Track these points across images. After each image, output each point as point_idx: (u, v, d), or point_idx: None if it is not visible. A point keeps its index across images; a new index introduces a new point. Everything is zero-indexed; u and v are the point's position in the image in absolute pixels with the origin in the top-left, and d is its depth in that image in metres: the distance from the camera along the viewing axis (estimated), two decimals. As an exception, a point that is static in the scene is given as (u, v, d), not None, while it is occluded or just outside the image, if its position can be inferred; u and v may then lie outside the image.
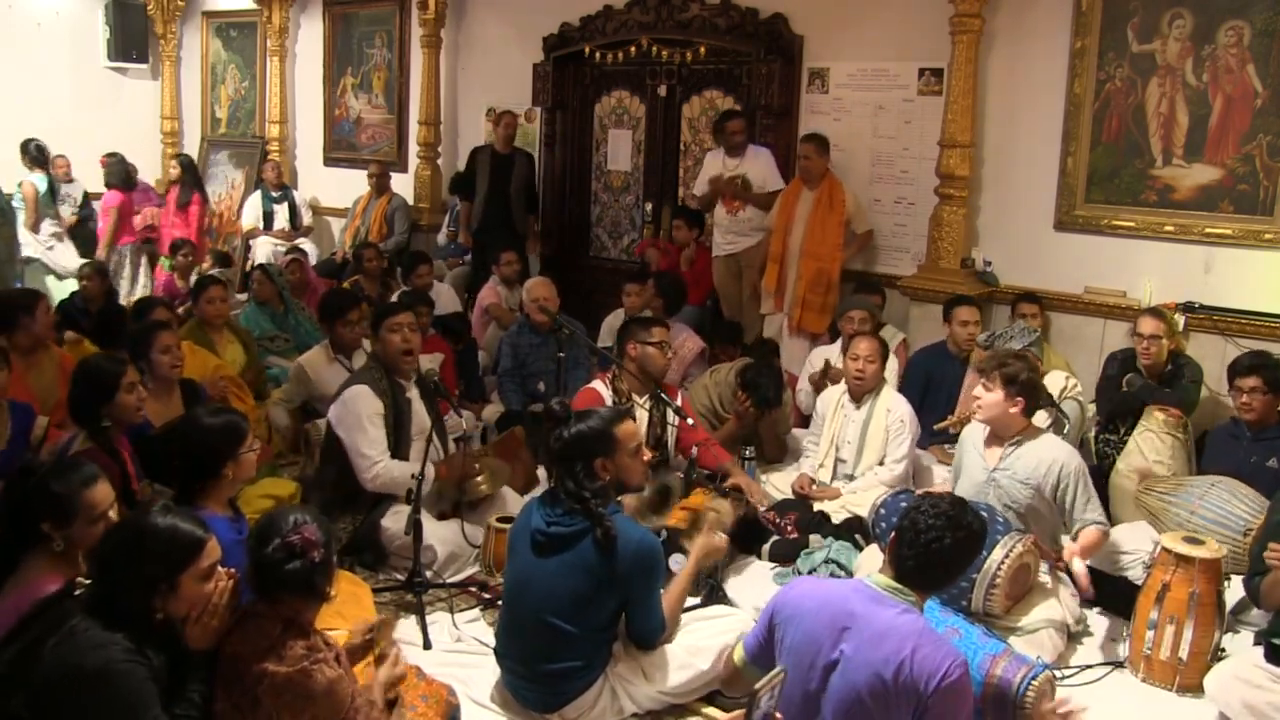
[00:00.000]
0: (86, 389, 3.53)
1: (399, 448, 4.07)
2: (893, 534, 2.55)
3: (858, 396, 4.69)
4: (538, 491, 4.62)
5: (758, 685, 2.20)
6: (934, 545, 2.44)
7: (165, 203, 8.92)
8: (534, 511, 3.04)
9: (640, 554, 2.92)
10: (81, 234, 8.62)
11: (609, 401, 4.40)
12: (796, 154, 6.15)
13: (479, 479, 4.15)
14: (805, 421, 5.25)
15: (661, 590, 3.09)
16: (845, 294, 6.04)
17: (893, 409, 4.63)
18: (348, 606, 3.12)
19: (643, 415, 4.42)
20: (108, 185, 8.60)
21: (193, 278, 6.97)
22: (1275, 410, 4.26)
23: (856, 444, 4.65)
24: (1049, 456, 3.68)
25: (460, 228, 7.96)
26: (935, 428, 4.88)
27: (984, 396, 3.74)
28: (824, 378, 5.32)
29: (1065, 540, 3.72)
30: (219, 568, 2.32)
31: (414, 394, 4.22)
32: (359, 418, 3.96)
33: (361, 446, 3.95)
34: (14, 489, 2.67)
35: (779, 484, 4.84)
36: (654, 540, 3.04)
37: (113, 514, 2.65)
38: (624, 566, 2.90)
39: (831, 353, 5.53)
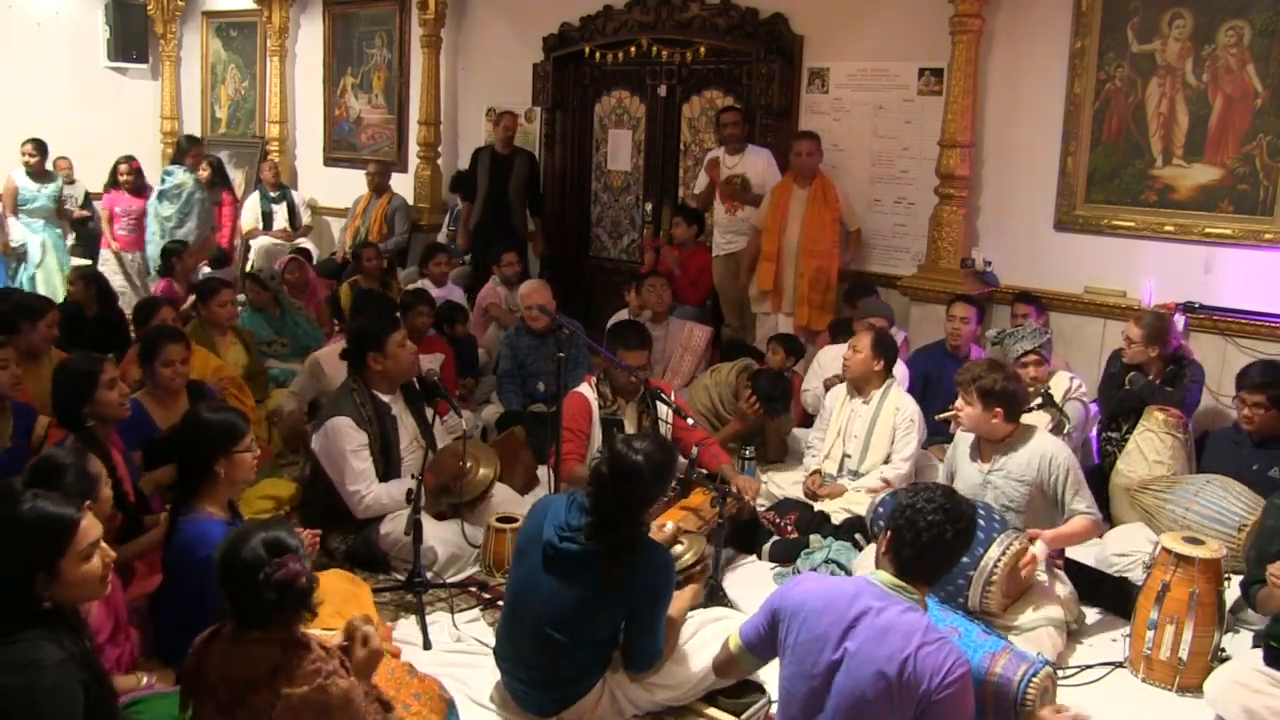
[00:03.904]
0: (66, 390, 3.52)
1: (389, 470, 4.04)
2: (888, 532, 2.54)
3: (864, 391, 4.68)
4: (539, 492, 4.62)
5: (745, 715, 2.27)
6: (935, 541, 2.44)
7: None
8: (547, 521, 2.95)
9: (651, 569, 2.89)
10: (83, 235, 8.63)
11: (595, 406, 4.37)
12: (793, 151, 6.14)
13: (468, 466, 4.09)
14: (807, 421, 5.25)
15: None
16: (842, 292, 6.07)
17: (901, 408, 4.63)
18: (348, 606, 3.12)
19: (633, 417, 4.42)
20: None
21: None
22: (1277, 424, 4.23)
23: (863, 439, 4.64)
24: (1039, 450, 3.69)
25: (459, 228, 7.99)
26: (937, 418, 4.88)
27: (964, 410, 3.76)
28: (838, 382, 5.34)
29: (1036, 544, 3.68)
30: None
31: (399, 406, 4.17)
32: (342, 453, 3.91)
33: (348, 483, 3.92)
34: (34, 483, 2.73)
35: (780, 483, 4.84)
36: (668, 557, 3.01)
37: (106, 490, 2.86)
38: (635, 580, 2.86)
39: (842, 354, 5.55)
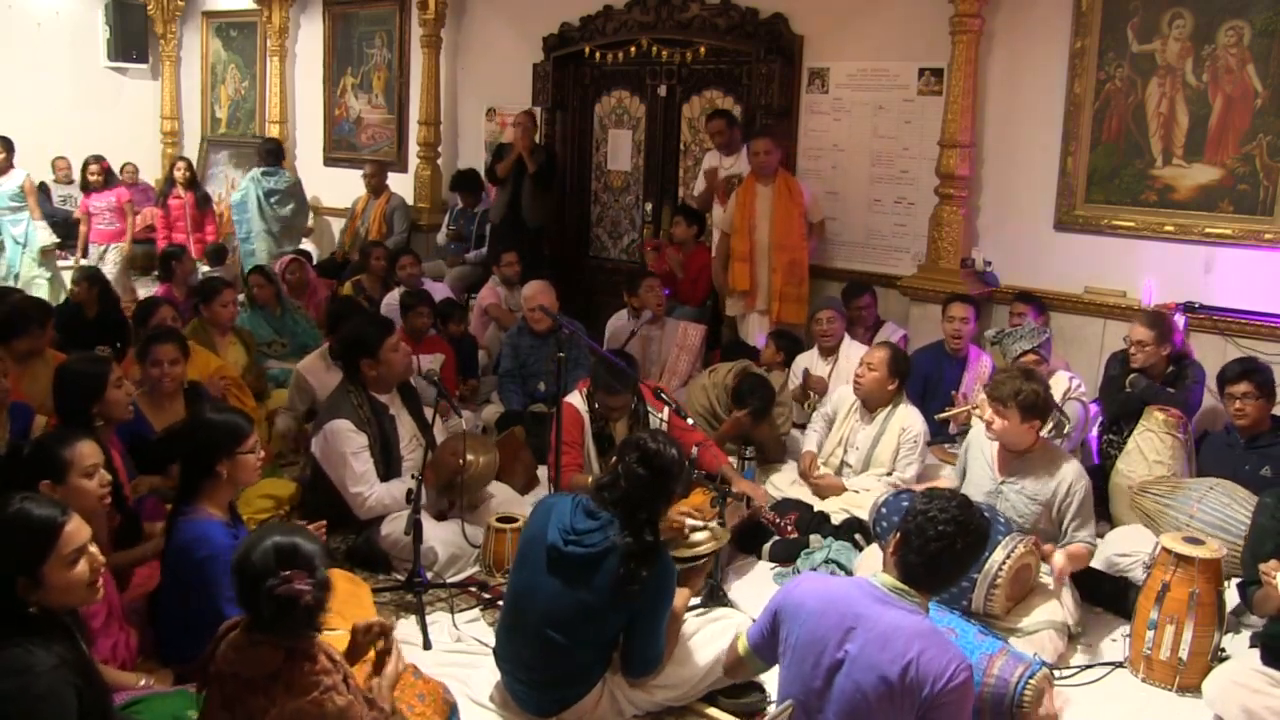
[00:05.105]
0: (74, 391, 3.50)
1: (390, 469, 4.04)
2: (897, 535, 2.52)
3: (872, 408, 4.64)
4: (539, 492, 4.62)
5: (770, 717, 2.23)
6: (944, 551, 2.42)
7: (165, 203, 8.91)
8: (551, 524, 2.93)
9: (657, 571, 2.88)
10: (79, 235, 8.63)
11: (586, 417, 4.35)
12: (750, 151, 6.16)
13: (469, 460, 4.07)
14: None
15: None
16: (815, 286, 6.17)
17: (908, 428, 4.55)
18: (348, 606, 3.11)
19: (623, 430, 4.40)
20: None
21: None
22: (1268, 416, 4.25)
23: (864, 452, 4.61)
24: (1059, 476, 3.67)
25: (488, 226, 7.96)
26: (936, 418, 4.88)
27: (997, 423, 3.68)
28: (805, 390, 5.35)
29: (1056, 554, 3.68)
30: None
31: (396, 406, 4.16)
32: (343, 456, 3.91)
33: (349, 485, 3.92)
34: (6, 468, 2.77)
35: (780, 483, 4.83)
36: (669, 560, 3.00)
37: (101, 475, 2.86)
38: (645, 585, 2.84)
39: (810, 359, 5.56)
